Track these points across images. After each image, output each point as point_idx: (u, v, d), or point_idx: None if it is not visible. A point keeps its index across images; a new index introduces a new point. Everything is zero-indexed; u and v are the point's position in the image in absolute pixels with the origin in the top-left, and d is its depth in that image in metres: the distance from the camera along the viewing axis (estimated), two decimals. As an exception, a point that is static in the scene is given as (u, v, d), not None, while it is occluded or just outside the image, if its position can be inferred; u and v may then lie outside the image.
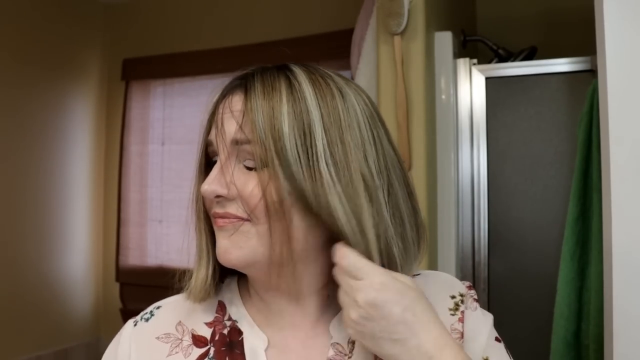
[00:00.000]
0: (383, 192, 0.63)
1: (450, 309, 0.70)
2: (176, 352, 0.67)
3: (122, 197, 3.26)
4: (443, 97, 1.75)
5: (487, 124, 1.75)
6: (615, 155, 1.18)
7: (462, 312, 0.69)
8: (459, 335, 0.68)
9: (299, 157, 0.60)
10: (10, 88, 2.78)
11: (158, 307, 0.73)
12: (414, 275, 0.72)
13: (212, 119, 0.67)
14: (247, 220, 0.62)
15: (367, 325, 0.58)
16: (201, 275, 0.67)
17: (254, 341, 0.67)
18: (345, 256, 0.60)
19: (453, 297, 0.71)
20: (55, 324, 3.00)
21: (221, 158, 0.64)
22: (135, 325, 0.71)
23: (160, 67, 3.17)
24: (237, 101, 0.64)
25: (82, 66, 3.25)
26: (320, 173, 0.60)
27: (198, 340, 0.68)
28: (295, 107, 0.61)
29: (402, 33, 1.64)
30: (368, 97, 0.68)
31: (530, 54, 1.95)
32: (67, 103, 3.14)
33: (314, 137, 0.60)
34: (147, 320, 0.71)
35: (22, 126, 2.86)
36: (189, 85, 3.11)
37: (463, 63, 1.78)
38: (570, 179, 1.56)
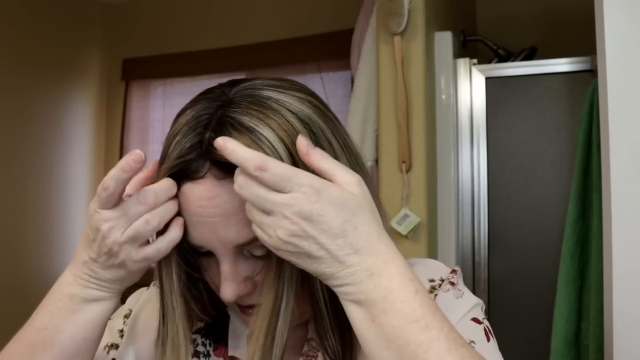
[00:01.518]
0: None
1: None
2: None
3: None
4: (443, 97, 1.75)
5: (487, 124, 1.75)
6: (615, 155, 1.18)
7: (436, 295, 0.66)
8: None
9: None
10: (10, 88, 2.78)
11: None
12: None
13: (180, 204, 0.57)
14: None
15: (301, 244, 0.50)
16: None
17: (237, 327, 0.68)
18: (266, 166, 0.49)
19: (432, 280, 0.68)
20: (55, 324, 3.00)
21: (224, 259, 0.57)
22: (147, 289, 0.75)
23: (160, 67, 3.17)
24: (214, 189, 0.54)
25: (82, 66, 3.25)
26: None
27: (198, 318, 0.69)
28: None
29: (402, 33, 1.64)
30: (311, 95, 0.61)
31: (530, 54, 1.95)
32: (67, 103, 3.14)
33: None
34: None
35: (23, 126, 2.86)
36: (189, 85, 3.11)
37: (463, 63, 1.78)
38: (570, 179, 1.56)
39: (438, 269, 0.70)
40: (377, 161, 1.74)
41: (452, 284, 0.67)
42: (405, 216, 1.61)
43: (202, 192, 0.54)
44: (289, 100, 0.57)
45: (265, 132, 0.54)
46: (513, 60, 1.94)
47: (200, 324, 0.70)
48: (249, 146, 0.52)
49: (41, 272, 2.94)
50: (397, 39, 1.64)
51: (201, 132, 0.55)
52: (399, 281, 0.51)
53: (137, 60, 3.26)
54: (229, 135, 0.53)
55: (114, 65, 3.34)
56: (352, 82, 1.90)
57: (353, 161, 0.62)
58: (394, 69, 1.65)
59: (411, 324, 0.49)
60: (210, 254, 0.58)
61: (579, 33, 1.68)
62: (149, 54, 3.21)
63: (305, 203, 0.49)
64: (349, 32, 1.98)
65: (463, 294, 0.66)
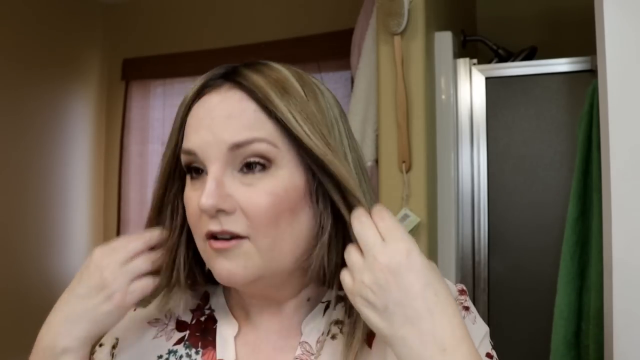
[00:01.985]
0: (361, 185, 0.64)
1: None
2: (161, 336, 0.70)
3: (122, 197, 3.26)
4: (443, 97, 1.75)
5: (487, 124, 1.75)
6: (615, 155, 1.18)
7: None
8: None
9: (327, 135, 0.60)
10: (10, 88, 2.78)
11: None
12: None
13: (184, 124, 0.62)
14: (245, 237, 0.59)
15: (380, 294, 0.52)
16: (162, 286, 0.66)
17: (226, 329, 0.68)
18: (383, 215, 0.55)
19: None
20: (55, 324, 3.00)
21: (212, 168, 0.59)
22: (134, 310, 0.74)
23: (160, 67, 3.17)
24: (225, 97, 0.60)
25: (82, 66, 3.25)
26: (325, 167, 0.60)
27: (180, 325, 0.70)
28: (303, 104, 0.60)
29: (402, 33, 1.64)
30: (333, 94, 0.68)
31: (530, 54, 1.95)
32: (67, 103, 3.14)
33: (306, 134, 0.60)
34: (145, 307, 0.74)
35: (23, 126, 2.86)
36: (189, 85, 3.06)
37: (463, 63, 1.78)
38: (570, 179, 1.56)
39: None
40: (377, 161, 1.74)
41: (466, 308, 0.67)
42: (405, 216, 1.61)
43: (214, 98, 0.60)
44: (319, 83, 0.65)
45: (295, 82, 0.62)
46: (513, 60, 1.94)
47: (180, 334, 0.69)
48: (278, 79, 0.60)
49: (41, 272, 2.94)
50: (397, 39, 1.64)
51: (227, 66, 0.62)
52: None
53: (137, 60, 3.26)
54: (256, 69, 0.61)
55: (114, 65, 3.34)
56: (352, 82, 1.90)
57: (356, 162, 0.64)
58: (394, 69, 1.65)
59: None
60: (200, 173, 0.60)
61: (579, 33, 1.68)
62: (149, 54, 3.21)
63: (399, 257, 0.52)
64: (349, 32, 1.98)
65: (476, 317, 0.67)
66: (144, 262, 0.63)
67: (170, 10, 3.20)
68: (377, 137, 1.73)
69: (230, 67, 0.62)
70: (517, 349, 1.69)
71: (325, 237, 0.61)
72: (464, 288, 0.69)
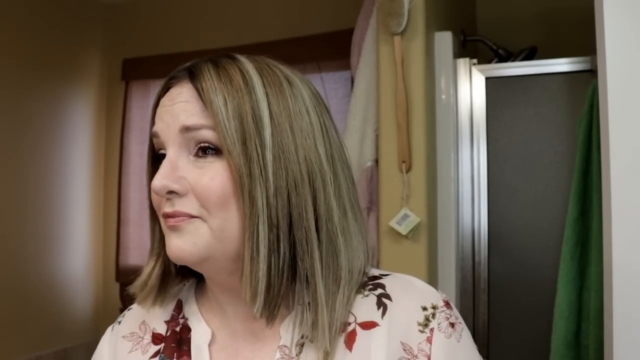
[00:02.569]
0: (330, 180, 0.63)
1: (420, 323, 0.62)
2: (136, 350, 0.70)
3: (122, 197, 3.26)
4: (443, 97, 1.75)
5: (487, 124, 1.75)
6: (615, 155, 1.18)
7: (432, 330, 0.62)
8: (425, 359, 0.61)
9: (255, 143, 0.59)
10: (10, 88, 2.78)
11: (129, 309, 0.76)
12: (383, 275, 0.68)
13: (156, 112, 0.66)
14: (197, 217, 0.60)
15: None
16: (145, 273, 0.67)
17: (199, 337, 0.67)
18: None
19: (424, 308, 0.63)
20: (55, 324, 3.00)
21: (169, 151, 0.62)
22: (112, 329, 0.75)
23: (160, 67, 3.17)
24: (185, 88, 0.62)
25: (82, 66, 3.25)
26: (265, 162, 0.59)
27: (156, 338, 0.70)
28: (250, 97, 0.60)
29: (402, 33, 1.64)
30: (313, 87, 0.68)
31: (530, 54, 1.95)
32: (67, 103, 3.14)
33: (262, 126, 0.60)
34: (119, 322, 0.75)
35: (23, 126, 2.86)
36: (189, 85, 3.10)
37: (463, 63, 1.78)
38: (570, 179, 1.56)
39: (428, 293, 0.65)
40: (377, 161, 1.74)
41: (452, 325, 0.63)
42: (405, 216, 1.61)
43: (176, 90, 0.63)
44: (291, 74, 0.66)
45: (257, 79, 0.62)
46: (513, 60, 1.94)
47: (156, 348, 0.69)
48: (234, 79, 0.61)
49: (41, 272, 2.94)
50: (397, 39, 1.64)
51: (193, 61, 0.65)
52: None
53: (137, 60, 3.26)
54: (215, 62, 0.63)
55: (114, 65, 3.34)
56: (352, 82, 1.90)
57: (329, 157, 0.65)
58: (394, 69, 1.65)
59: None
60: (164, 158, 0.63)
61: (579, 33, 1.68)
62: (149, 54, 3.21)
63: None
64: (349, 32, 1.98)
65: (462, 334, 0.64)
66: None
67: (170, 10, 3.20)
68: (377, 137, 1.73)
69: (195, 62, 0.65)
70: (517, 349, 1.69)
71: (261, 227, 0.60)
72: (448, 300, 0.66)
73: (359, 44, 1.87)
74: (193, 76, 0.62)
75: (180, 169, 0.61)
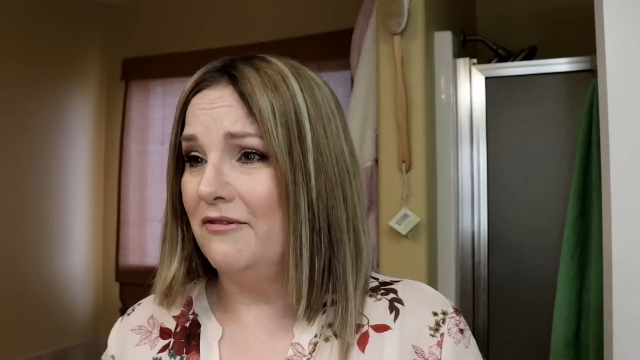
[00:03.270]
0: (353, 180, 0.65)
1: (431, 328, 0.64)
2: (144, 344, 0.70)
3: (122, 197, 3.26)
4: (443, 97, 1.75)
5: (487, 124, 1.75)
6: (615, 155, 1.18)
7: (442, 335, 0.64)
8: None
9: (299, 149, 0.60)
10: (10, 88, 2.78)
11: (139, 304, 0.76)
12: (395, 281, 0.69)
13: (185, 114, 0.64)
14: (245, 223, 0.60)
15: None
16: (170, 276, 0.66)
17: (210, 333, 0.68)
18: None
19: (435, 314, 0.65)
20: (55, 324, 3.00)
21: (211, 156, 0.60)
22: (121, 321, 0.75)
23: (160, 67, 3.17)
24: (227, 92, 0.61)
25: (82, 66, 3.25)
26: (307, 167, 0.60)
27: (164, 333, 0.70)
28: (293, 103, 0.60)
29: (402, 33, 1.64)
30: (329, 87, 0.68)
31: (530, 54, 1.95)
32: (67, 103, 3.14)
33: (304, 131, 0.60)
34: (129, 315, 0.75)
35: (23, 126, 2.86)
36: (189, 85, 3.10)
37: (463, 63, 1.78)
38: (570, 179, 1.56)
39: (438, 299, 0.67)
40: (377, 161, 1.74)
41: (462, 331, 0.65)
42: (405, 216, 1.61)
43: (214, 93, 0.61)
44: (316, 77, 0.65)
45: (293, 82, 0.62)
46: (513, 60, 1.94)
47: (164, 342, 0.69)
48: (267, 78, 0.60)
49: (40, 272, 2.94)
50: (397, 39, 1.64)
51: (225, 59, 0.63)
52: None
53: (137, 60, 3.26)
54: (253, 64, 0.62)
55: (114, 65, 3.34)
56: (352, 82, 1.90)
57: (349, 159, 0.65)
58: (394, 69, 1.65)
59: None
60: (200, 162, 0.62)
61: (579, 33, 1.68)
62: (149, 54, 3.21)
63: None
64: (349, 32, 1.98)
65: (470, 341, 0.66)
66: None
67: (170, 10, 3.20)
68: (377, 137, 1.73)
69: (228, 60, 0.63)
70: (517, 348, 1.69)
71: (305, 232, 0.61)
72: (457, 309, 0.68)
73: (359, 44, 1.87)
74: (235, 80, 0.60)
75: (225, 175, 0.60)
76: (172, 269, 0.66)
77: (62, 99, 3.10)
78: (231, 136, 0.59)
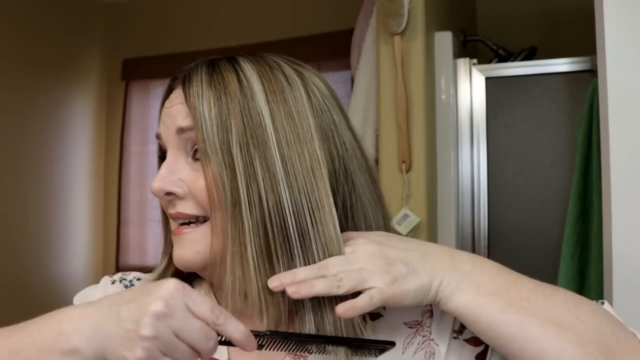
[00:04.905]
0: (344, 179, 0.62)
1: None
2: None
3: (122, 197, 3.26)
4: (443, 97, 1.75)
5: (487, 124, 1.75)
6: (615, 155, 1.18)
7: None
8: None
9: (243, 150, 0.58)
10: (10, 88, 2.78)
11: (138, 279, 0.73)
12: None
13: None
14: (201, 216, 0.61)
15: (391, 268, 0.57)
16: (157, 273, 0.68)
17: None
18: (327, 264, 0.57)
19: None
20: (55, 324, 3.00)
21: (168, 153, 0.63)
22: (112, 283, 0.72)
23: (160, 67, 3.17)
24: (180, 91, 0.63)
25: (82, 66, 3.25)
26: (268, 168, 0.58)
27: None
28: (244, 104, 0.60)
29: (402, 33, 1.64)
30: (324, 82, 0.67)
31: (530, 54, 1.95)
32: (67, 103, 3.14)
33: (265, 132, 0.59)
34: (125, 287, 0.72)
35: (23, 126, 2.86)
36: (189, 85, 3.11)
37: (463, 63, 1.77)
38: (570, 179, 1.56)
39: None
40: (377, 161, 1.74)
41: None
42: (405, 216, 1.61)
43: (175, 93, 0.65)
44: (294, 74, 0.65)
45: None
46: (513, 60, 1.94)
47: None
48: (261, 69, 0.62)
49: (41, 272, 2.94)
50: (397, 39, 1.64)
51: (198, 61, 0.65)
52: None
53: (137, 60, 3.26)
54: (217, 65, 0.63)
55: (114, 65, 3.34)
56: (352, 82, 1.90)
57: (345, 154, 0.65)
58: (394, 69, 1.65)
59: None
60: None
61: (579, 33, 1.68)
62: (149, 54, 3.21)
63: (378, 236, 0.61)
64: (349, 32, 1.98)
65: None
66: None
67: (171, 10, 3.20)
68: (377, 137, 1.73)
69: (195, 64, 0.65)
70: (517, 349, 1.69)
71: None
72: None
73: (359, 44, 1.87)
74: (184, 79, 0.63)
75: (179, 172, 0.62)
76: (159, 268, 0.68)
77: (62, 99, 3.10)
78: (180, 130, 0.61)
